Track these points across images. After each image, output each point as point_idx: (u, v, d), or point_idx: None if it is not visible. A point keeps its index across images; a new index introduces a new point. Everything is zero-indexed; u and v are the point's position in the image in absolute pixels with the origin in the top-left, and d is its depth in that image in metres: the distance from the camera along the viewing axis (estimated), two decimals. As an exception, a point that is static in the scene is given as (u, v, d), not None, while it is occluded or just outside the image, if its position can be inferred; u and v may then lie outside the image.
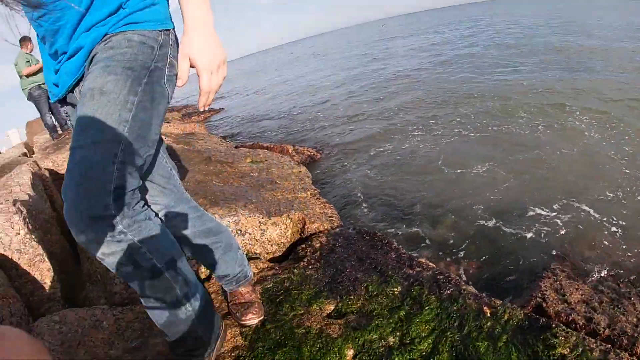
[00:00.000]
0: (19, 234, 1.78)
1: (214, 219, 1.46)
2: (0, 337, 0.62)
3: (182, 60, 0.99)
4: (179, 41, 1.04)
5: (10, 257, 1.75)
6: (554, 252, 2.73)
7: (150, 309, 1.11)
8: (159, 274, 1.04)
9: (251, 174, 3.55)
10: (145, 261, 1.01)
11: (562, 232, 2.95)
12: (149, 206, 1.17)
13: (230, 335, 1.59)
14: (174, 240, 1.12)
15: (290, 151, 5.24)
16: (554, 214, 3.19)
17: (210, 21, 1.01)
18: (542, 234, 2.96)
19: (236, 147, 6.18)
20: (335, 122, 7.44)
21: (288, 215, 2.46)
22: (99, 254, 0.96)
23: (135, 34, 1.00)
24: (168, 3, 1.11)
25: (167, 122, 9.59)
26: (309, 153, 5.36)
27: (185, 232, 1.34)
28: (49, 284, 1.84)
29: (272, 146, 5.48)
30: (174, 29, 1.10)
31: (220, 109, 13.14)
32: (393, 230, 3.28)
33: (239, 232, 2.24)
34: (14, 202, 1.93)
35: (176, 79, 1.06)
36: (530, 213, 3.23)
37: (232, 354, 1.50)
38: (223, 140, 5.99)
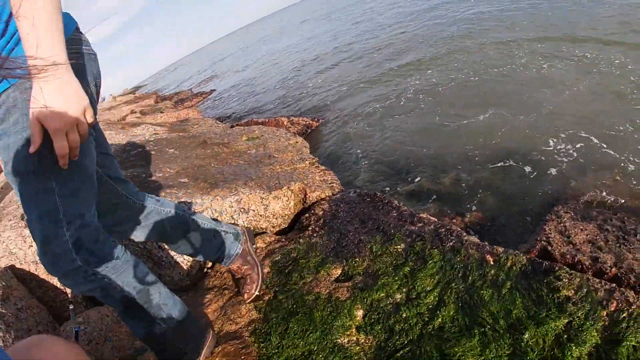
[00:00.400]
0: (32, 246, 1.83)
1: (178, 216, 1.52)
2: (39, 345, 0.65)
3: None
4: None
5: (27, 269, 1.82)
6: (562, 193, 2.72)
7: (129, 326, 1.28)
8: (132, 302, 1.19)
9: (248, 151, 3.54)
10: (117, 293, 1.15)
11: (572, 170, 2.91)
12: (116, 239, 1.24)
13: (246, 310, 1.65)
14: (145, 270, 1.25)
15: (286, 123, 5.20)
16: (563, 151, 3.14)
17: (61, 59, 0.80)
18: (550, 174, 2.93)
19: (231, 126, 6.14)
20: (328, 88, 7.32)
21: (288, 187, 2.47)
22: (78, 292, 1.06)
23: (17, 88, 0.89)
24: None
25: (161, 112, 9.51)
26: (304, 122, 5.32)
27: (148, 237, 1.46)
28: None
29: (266, 121, 5.43)
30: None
31: (211, 90, 12.94)
32: (395, 189, 3.29)
33: (242, 210, 2.27)
34: (22, 217, 1.97)
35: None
36: (537, 153, 3.18)
37: (249, 328, 1.56)
38: (218, 122, 5.93)
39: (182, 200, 2.24)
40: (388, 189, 3.33)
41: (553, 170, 2.97)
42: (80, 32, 1.06)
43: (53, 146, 0.87)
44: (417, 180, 3.34)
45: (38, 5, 0.76)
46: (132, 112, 11.30)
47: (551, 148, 3.22)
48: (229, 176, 2.70)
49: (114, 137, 5.48)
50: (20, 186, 0.96)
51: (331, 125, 5.25)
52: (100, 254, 1.09)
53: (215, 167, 3.00)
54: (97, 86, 1.12)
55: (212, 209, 2.17)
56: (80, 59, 1.02)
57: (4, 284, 1.62)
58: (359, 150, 4.25)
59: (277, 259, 1.90)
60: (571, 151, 3.13)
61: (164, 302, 1.27)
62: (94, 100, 1.07)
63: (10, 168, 0.94)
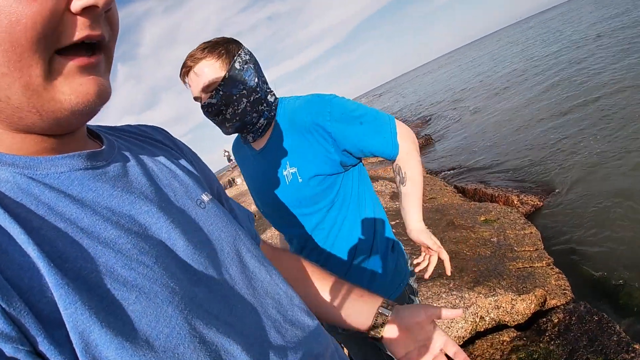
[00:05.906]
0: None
1: None
2: None
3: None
4: None
5: None
6: None
7: None
8: None
9: (491, 239, 4.58)
10: None
11: None
12: None
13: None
14: None
15: (516, 202, 5.89)
16: None
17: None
18: None
19: (455, 187, 7.10)
20: (561, 149, 7.40)
21: (534, 293, 3.43)
22: None
23: None
24: None
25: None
26: (532, 202, 5.89)
27: None
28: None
29: (496, 195, 6.18)
30: None
31: (426, 136, 13.72)
32: (623, 311, 3.64)
33: (496, 306, 3.39)
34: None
35: None
36: None
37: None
38: (452, 189, 7.01)
39: (453, 293, 3.51)
40: (622, 311, 3.56)
41: None
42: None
43: None
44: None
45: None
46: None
47: None
48: (484, 271, 3.85)
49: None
50: None
51: (562, 209, 5.52)
52: None
53: (469, 256, 4.19)
54: None
55: (476, 304, 3.37)
56: None
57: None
58: (590, 250, 4.51)
59: (521, 356, 2.96)
60: None
61: None
62: None
63: None
